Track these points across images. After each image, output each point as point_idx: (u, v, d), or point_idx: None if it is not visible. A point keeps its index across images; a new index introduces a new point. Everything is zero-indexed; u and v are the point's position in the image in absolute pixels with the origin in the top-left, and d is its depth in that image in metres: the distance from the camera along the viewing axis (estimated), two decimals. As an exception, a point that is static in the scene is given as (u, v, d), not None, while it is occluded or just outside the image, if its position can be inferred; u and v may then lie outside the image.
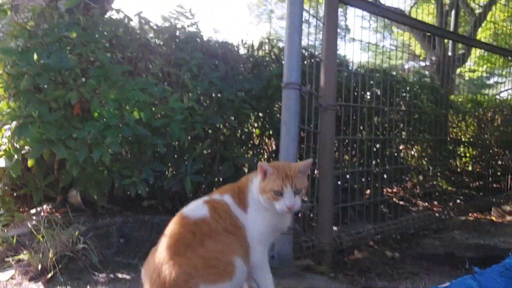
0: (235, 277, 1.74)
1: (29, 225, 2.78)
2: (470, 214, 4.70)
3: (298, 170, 1.87)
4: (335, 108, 2.82)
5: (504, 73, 6.17)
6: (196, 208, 1.90)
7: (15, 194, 3.26)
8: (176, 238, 1.77)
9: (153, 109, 2.94)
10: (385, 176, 3.88)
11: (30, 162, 2.65)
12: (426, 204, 4.91)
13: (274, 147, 3.93)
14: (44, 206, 3.20)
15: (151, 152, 2.84)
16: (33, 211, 3.18)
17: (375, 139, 3.70)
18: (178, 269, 1.69)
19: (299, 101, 2.50)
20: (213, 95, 3.28)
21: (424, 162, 4.95)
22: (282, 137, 2.52)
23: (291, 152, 2.49)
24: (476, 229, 4.01)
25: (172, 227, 1.84)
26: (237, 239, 1.84)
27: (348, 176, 3.40)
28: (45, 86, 2.47)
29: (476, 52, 8.77)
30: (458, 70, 6.34)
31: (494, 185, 5.46)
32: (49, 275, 2.35)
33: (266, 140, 4.00)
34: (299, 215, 3.07)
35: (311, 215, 3.07)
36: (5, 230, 2.76)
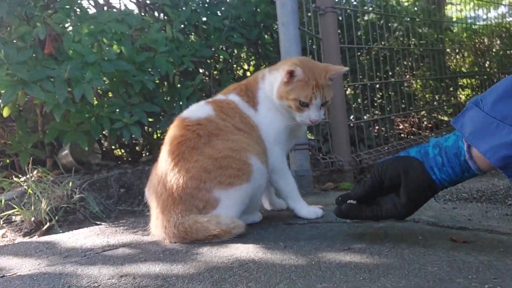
0: (253, 177, 1.48)
1: (20, 189, 2.53)
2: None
3: (329, 78, 1.58)
4: (335, 10, 2.53)
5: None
6: (197, 109, 1.63)
7: (1, 164, 3.01)
8: (178, 142, 1.50)
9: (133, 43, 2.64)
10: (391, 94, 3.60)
11: (5, 111, 2.37)
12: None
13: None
14: (35, 172, 2.94)
15: (139, 89, 2.55)
16: (22, 179, 2.92)
17: (383, 48, 3.41)
18: (185, 174, 1.43)
19: (295, -4, 2.20)
20: (198, 24, 2.98)
21: (428, 94, 4.76)
22: (281, 41, 2.23)
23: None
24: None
25: (171, 132, 1.57)
26: (251, 137, 1.57)
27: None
28: (6, 19, 2.16)
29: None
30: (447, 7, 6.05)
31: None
32: (45, 228, 2.09)
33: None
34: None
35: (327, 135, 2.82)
36: (-7, 195, 2.49)
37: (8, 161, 3.01)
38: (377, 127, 3.67)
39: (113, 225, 1.80)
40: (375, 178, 1.23)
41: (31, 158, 2.69)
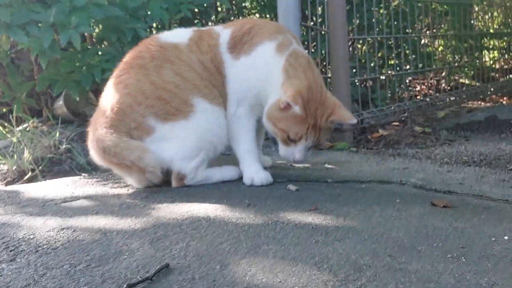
0: (194, 117, 1.35)
1: (10, 138, 2.49)
2: (504, 101, 4.22)
3: (331, 121, 1.37)
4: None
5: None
6: (176, 33, 1.52)
7: (-3, 113, 2.97)
8: (132, 56, 1.44)
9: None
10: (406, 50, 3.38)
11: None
12: (454, 98, 4.45)
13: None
14: (30, 122, 2.90)
15: (132, 37, 2.43)
16: (19, 128, 2.88)
17: None
18: (123, 89, 1.37)
19: None
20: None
21: (449, 54, 4.47)
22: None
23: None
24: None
25: (137, 46, 1.50)
26: (210, 82, 1.41)
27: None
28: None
29: None
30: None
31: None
32: (27, 177, 2.05)
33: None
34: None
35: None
36: (-18, 144, 2.46)
37: (5, 110, 2.97)
38: (389, 88, 3.47)
39: (88, 177, 1.74)
40: None
41: (27, 108, 2.64)
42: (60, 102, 2.88)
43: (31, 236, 0.98)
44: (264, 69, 1.41)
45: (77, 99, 2.55)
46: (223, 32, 1.48)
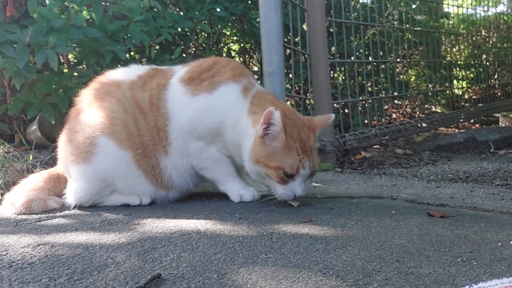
0: (96, 161, 1.31)
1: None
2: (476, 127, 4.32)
3: (318, 136, 1.29)
4: (321, -21, 2.35)
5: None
6: (129, 70, 1.45)
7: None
8: (75, 107, 1.46)
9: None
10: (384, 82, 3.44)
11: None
12: (430, 123, 4.55)
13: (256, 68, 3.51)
14: (1, 147, 2.77)
15: (111, 59, 2.38)
16: (-11, 154, 2.75)
17: (372, 25, 3.22)
18: (63, 139, 1.45)
19: None
20: (178, -5, 2.81)
21: (424, 84, 4.59)
22: (260, 6, 2.07)
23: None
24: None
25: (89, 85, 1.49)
26: (137, 121, 1.32)
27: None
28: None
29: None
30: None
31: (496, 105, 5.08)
32: (-4, 201, 1.93)
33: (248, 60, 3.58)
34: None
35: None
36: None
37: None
38: (367, 113, 3.51)
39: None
40: None
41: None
42: (34, 127, 2.77)
43: (4, 253, 0.89)
44: (228, 114, 1.29)
45: (53, 122, 2.45)
46: (180, 70, 1.39)
